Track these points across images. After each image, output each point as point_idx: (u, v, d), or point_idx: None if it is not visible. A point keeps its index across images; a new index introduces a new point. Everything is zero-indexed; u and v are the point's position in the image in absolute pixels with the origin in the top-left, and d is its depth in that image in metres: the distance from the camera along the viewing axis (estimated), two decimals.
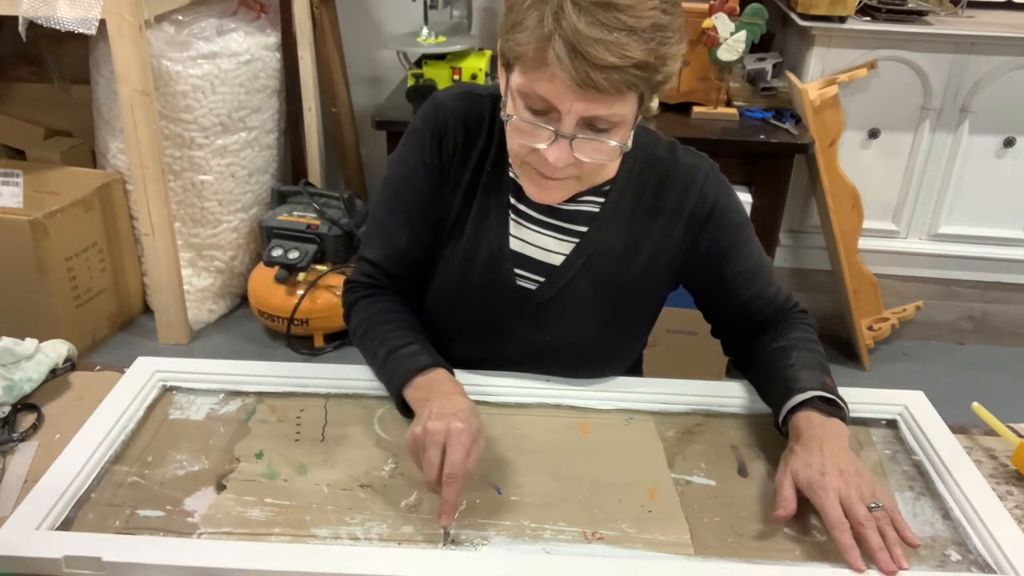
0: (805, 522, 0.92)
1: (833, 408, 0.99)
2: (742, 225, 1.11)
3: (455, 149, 1.08)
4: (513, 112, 0.93)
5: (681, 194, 1.07)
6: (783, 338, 1.09)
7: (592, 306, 1.10)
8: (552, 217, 1.09)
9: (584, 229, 1.08)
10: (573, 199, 1.07)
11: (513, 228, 1.10)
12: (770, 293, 1.12)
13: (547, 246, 1.09)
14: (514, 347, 1.13)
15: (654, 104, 2.28)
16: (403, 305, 1.13)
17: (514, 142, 0.96)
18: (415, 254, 1.13)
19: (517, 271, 1.10)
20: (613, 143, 0.93)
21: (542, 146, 0.92)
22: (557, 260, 1.09)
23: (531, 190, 1.01)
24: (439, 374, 1.02)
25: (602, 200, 1.08)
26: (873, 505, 0.87)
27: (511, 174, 1.08)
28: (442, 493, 0.88)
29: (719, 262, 1.10)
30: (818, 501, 0.89)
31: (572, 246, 1.09)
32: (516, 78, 0.92)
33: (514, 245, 1.10)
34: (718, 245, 1.09)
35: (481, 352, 1.14)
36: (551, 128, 0.91)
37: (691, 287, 1.15)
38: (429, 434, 0.90)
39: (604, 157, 0.95)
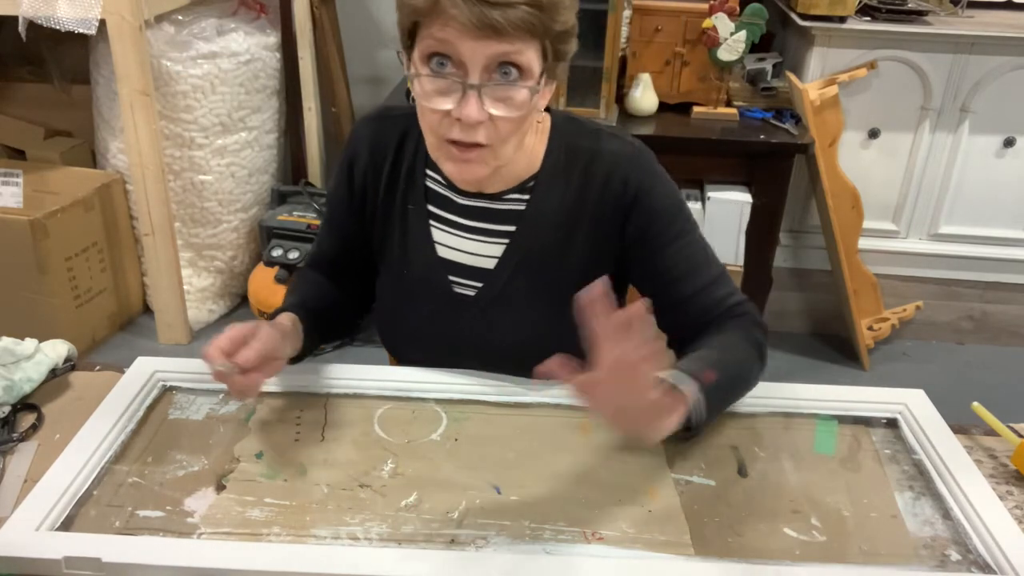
0: (805, 522, 0.92)
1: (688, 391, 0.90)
2: (672, 212, 1.07)
3: (366, 173, 1.13)
4: (419, 82, 0.94)
5: (604, 182, 1.06)
6: (712, 336, 1.03)
7: (534, 304, 1.10)
8: (478, 220, 1.09)
9: (512, 228, 1.08)
10: (498, 197, 1.07)
11: (439, 236, 1.11)
12: (719, 294, 1.07)
13: (477, 251, 1.10)
14: (466, 351, 1.13)
15: (648, 102, 2.28)
16: (323, 279, 1.21)
17: (426, 113, 0.96)
18: (340, 261, 1.21)
19: (452, 279, 1.11)
20: (524, 91, 0.93)
21: (451, 107, 0.92)
22: (490, 263, 1.09)
23: (452, 169, 1.00)
24: (280, 317, 1.08)
25: (527, 197, 1.08)
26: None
27: (428, 183, 1.10)
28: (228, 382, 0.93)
29: (648, 248, 1.07)
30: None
31: (503, 247, 1.09)
32: (418, 43, 0.93)
33: (443, 253, 1.11)
34: (645, 232, 1.06)
35: (437, 358, 1.14)
36: (458, 81, 0.91)
37: (631, 278, 1.14)
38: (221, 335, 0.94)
39: (516, 109, 0.94)
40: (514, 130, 0.97)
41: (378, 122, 1.13)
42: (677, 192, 1.09)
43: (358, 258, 1.19)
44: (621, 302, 1.21)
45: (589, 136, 1.08)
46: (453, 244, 1.11)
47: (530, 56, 0.92)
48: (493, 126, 0.94)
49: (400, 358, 1.21)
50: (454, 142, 0.96)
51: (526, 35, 0.90)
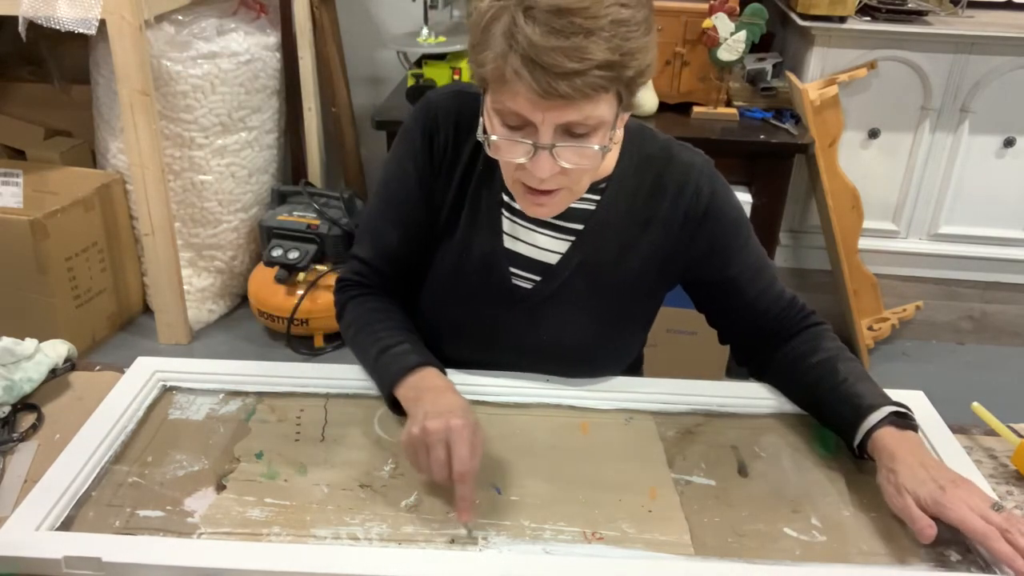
0: (805, 522, 0.92)
1: (903, 419, 0.98)
2: (740, 221, 1.10)
3: (446, 147, 1.08)
4: (491, 131, 0.93)
5: (676, 192, 1.07)
6: (819, 350, 1.08)
7: (588, 306, 1.10)
8: None
9: (580, 227, 1.08)
10: None
11: (507, 226, 1.09)
12: (776, 291, 1.12)
13: (542, 244, 1.09)
14: (510, 347, 1.12)
15: (648, 102, 2.28)
16: (394, 305, 1.14)
17: (499, 160, 0.96)
18: (406, 253, 1.13)
19: (512, 270, 1.10)
20: (595, 147, 0.91)
21: (524, 160, 0.92)
22: (553, 259, 1.09)
23: (525, 206, 1.01)
24: (429, 372, 1.02)
25: (598, 198, 1.08)
26: (996, 507, 0.87)
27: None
28: (457, 491, 0.88)
29: (720, 258, 1.09)
30: (953, 516, 0.87)
31: (568, 244, 1.08)
32: (488, 97, 0.92)
33: (508, 243, 1.09)
34: (718, 241, 1.08)
35: (476, 352, 1.13)
36: (529, 142, 0.90)
37: (694, 288, 1.15)
38: (430, 434, 0.90)
39: (588, 162, 0.93)
40: (587, 176, 0.98)
41: (460, 97, 1.08)
42: (738, 200, 1.11)
43: (420, 250, 1.13)
44: (657, 302, 1.18)
45: (660, 145, 1.09)
46: (519, 235, 1.09)
47: (602, 110, 0.89)
48: (566, 175, 0.94)
49: (439, 351, 1.14)
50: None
51: (596, 94, 0.86)
